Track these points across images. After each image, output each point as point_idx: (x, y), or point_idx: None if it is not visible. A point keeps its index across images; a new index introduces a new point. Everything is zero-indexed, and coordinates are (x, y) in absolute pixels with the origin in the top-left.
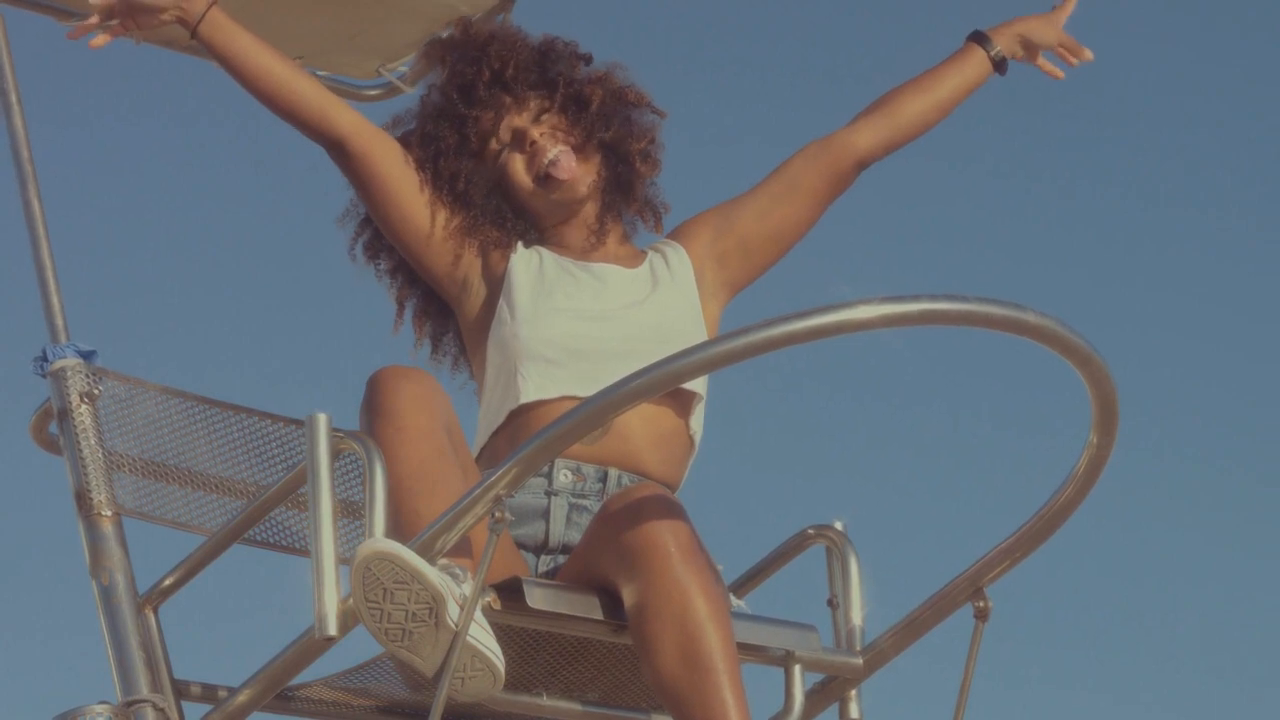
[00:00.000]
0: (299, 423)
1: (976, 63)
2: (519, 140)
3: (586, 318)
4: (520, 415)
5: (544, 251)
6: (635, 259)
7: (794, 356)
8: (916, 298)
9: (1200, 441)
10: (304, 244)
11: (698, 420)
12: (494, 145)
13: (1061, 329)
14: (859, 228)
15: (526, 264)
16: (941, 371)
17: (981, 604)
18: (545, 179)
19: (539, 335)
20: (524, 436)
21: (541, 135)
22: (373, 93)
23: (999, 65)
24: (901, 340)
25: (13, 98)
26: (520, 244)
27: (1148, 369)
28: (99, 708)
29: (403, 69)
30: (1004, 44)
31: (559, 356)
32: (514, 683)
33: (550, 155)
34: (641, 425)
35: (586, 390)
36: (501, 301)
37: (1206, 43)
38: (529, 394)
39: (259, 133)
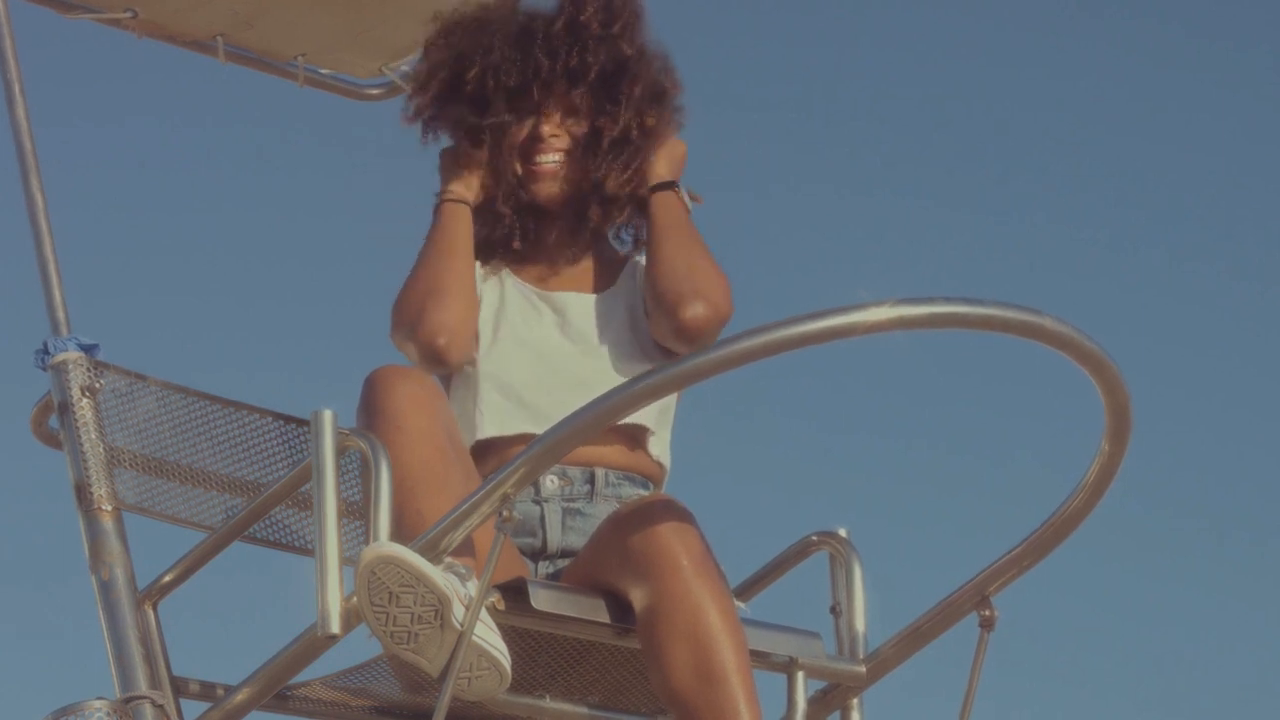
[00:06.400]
0: (301, 421)
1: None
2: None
3: (545, 355)
4: (479, 451)
5: (506, 277)
6: (608, 274)
7: (803, 359)
8: (931, 300)
9: (1212, 451)
10: (308, 241)
11: (659, 448)
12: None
13: (1078, 335)
14: (865, 232)
15: (488, 293)
16: (950, 376)
17: (987, 613)
18: (530, 171)
19: (496, 370)
20: (485, 472)
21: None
22: (375, 92)
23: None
24: (911, 343)
25: (16, 89)
26: (483, 269)
27: (1160, 377)
28: (97, 703)
29: (405, 68)
30: None
31: (517, 394)
32: (516, 684)
33: (546, 159)
34: (610, 428)
35: (544, 428)
36: None
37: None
38: (485, 430)
39: (263, 129)
